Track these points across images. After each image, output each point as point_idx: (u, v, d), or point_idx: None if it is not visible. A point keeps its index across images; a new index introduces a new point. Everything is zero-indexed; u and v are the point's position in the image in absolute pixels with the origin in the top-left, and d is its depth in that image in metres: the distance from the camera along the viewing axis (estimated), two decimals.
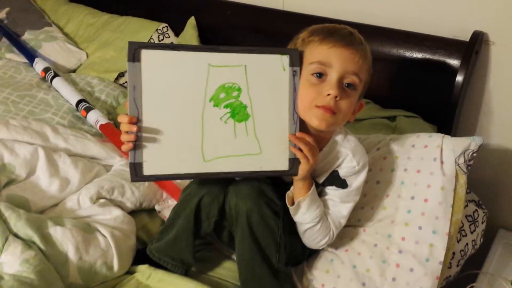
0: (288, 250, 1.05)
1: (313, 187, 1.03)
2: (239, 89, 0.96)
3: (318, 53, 0.98)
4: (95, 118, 1.56)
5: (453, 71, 1.36)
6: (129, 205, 1.27)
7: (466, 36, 1.38)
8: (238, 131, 0.97)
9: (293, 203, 1.03)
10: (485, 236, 1.43)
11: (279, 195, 1.04)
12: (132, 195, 1.28)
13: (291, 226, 1.06)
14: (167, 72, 0.93)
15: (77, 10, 2.08)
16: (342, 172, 1.06)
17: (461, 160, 1.10)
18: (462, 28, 1.40)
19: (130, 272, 1.14)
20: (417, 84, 1.47)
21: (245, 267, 1.03)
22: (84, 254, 1.05)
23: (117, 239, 1.11)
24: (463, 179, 1.10)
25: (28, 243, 1.02)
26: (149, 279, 1.10)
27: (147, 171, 0.92)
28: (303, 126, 1.00)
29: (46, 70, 1.73)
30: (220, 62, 0.95)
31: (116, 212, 1.19)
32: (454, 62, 1.38)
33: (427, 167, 1.11)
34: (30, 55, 1.82)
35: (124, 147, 0.92)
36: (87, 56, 1.92)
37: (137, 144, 0.91)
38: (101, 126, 1.53)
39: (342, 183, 1.06)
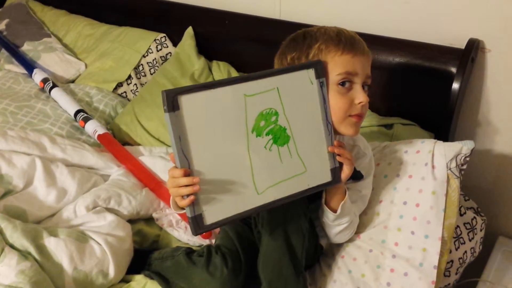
0: (306, 255, 1.05)
1: (346, 188, 1.06)
2: (276, 113, 0.94)
3: (342, 63, 0.99)
4: (93, 128, 1.57)
5: (450, 79, 1.36)
6: (126, 213, 1.28)
7: (462, 44, 1.38)
8: (283, 155, 0.95)
9: (332, 210, 1.04)
10: (484, 243, 1.43)
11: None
12: (129, 204, 1.28)
13: (310, 229, 1.07)
14: (208, 113, 0.88)
15: (76, 21, 2.10)
16: (357, 165, 1.09)
17: (453, 165, 1.10)
18: (458, 36, 1.41)
19: (125, 280, 1.14)
20: (413, 92, 1.48)
21: (273, 265, 1.02)
22: (79, 263, 1.06)
23: (112, 246, 1.12)
24: (455, 183, 1.10)
25: (24, 254, 1.02)
26: None
27: (208, 220, 0.88)
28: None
29: (44, 80, 1.74)
30: (254, 90, 0.92)
31: (110, 217, 1.20)
32: (450, 70, 1.38)
33: (419, 172, 1.12)
34: (29, 66, 1.84)
35: (185, 202, 0.86)
36: (86, 67, 1.94)
37: (195, 197, 0.86)
38: (99, 136, 1.54)
39: (358, 175, 1.10)
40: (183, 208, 0.90)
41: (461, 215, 1.31)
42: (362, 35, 1.51)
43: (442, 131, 1.40)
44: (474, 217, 1.33)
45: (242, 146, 0.91)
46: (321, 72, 0.98)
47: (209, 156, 0.88)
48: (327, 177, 0.99)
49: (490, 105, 1.47)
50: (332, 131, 1.00)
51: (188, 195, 0.85)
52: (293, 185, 0.96)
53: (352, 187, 1.10)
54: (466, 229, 1.30)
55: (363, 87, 1.02)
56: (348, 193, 1.05)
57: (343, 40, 1.00)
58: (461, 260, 1.27)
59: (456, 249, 1.27)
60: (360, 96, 1.00)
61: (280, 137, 0.95)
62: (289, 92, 0.95)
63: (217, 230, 1.22)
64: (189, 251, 1.14)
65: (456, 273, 1.24)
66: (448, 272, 1.22)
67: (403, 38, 1.47)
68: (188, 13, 1.88)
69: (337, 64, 0.99)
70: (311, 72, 0.97)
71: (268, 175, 0.94)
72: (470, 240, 1.30)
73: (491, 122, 1.49)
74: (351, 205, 1.07)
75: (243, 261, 1.09)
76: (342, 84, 1.00)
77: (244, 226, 1.15)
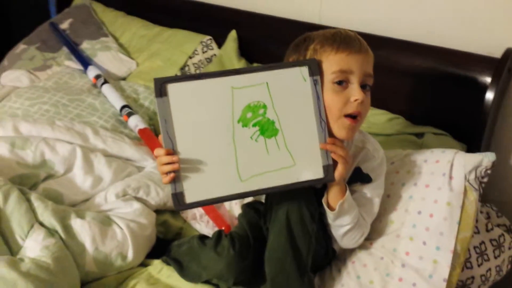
0: (314, 256, 1.07)
1: (347, 188, 1.06)
2: (264, 106, 0.99)
3: (337, 61, 1.01)
4: (135, 123, 1.66)
5: (484, 88, 1.33)
6: (153, 203, 1.35)
7: (500, 54, 1.34)
8: (270, 147, 0.99)
9: (331, 209, 1.05)
10: None
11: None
12: (157, 195, 1.35)
13: (319, 232, 1.09)
14: (194, 101, 0.96)
15: (133, 23, 2.23)
16: (365, 168, 1.09)
17: (472, 176, 1.08)
18: (496, 45, 1.37)
19: (144, 264, 1.21)
20: (448, 101, 1.45)
21: (276, 262, 1.05)
22: (100, 244, 1.14)
23: (133, 231, 1.19)
24: (473, 196, 1.08)
25: (51, 232, 1.12)
26: (160, 273, 1.17)
27: (189, 199, 0.95)
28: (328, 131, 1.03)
29: (97, 77, 1.87)
30: (242, 83, 0.98)
31: (136, 206, 1.27)
32: (485, 79, 1.35)
33: (436, 182, 1.10)
34: (85, 63, 1.97)
35: (166, 179, 0.94)
36: (137, 65, 2.05)
37: (176, 175, 0.94)
38: (140, 131, 1.63)
39: (366, 178, 1.10)
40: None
41: (487, 230, 1.27)
42: (398, 41, 1.52)
43: (475, 142, 1.37)
44: (502, 234, 1.29)
45: (227, 134, 0.97)
46: (315, 70, 1.00)
47: (193, 139, 0.96)
48: (319, 173, 1.00)
49: None
50: (326, 129, 1.01)
51: (169, 173, 0.93)
52: (280, 177, 0.99)
53: (359, 190, 1.10)
54: (492, 245, 1.26)
55: (364, 86, 1.03)
56: (349, 193, 1.04)
57: (338, 39, 1.02)
58: (483, 278, 1.23)
59: (479, 265, 1.23)
60: (355, 94, 1.00)
61: (268, 129, 0.99)
62: (280, 88, 0.99)
63: (235, 222, 1.27)
64: (202, 236, 1.19)
65: None
66: None
67: (438, 45, 1.45)
68: (233, 16, 1.94)
69: (332, 63, 1.01)
70: (304, 70, 1.00)
71: (253, 164, 0.98)
72: (496, 258, 1.26)
73: None
74: (354, 206, 1.06)
75: (252, 246, 1.11)
76: (339, 83, 1.01)
77: (259, 219, 1.18)
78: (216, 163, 0.97)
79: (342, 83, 1.01)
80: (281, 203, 1.03)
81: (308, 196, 1.04)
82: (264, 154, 0.99)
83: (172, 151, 0.94)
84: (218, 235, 1.13)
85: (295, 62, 1.03)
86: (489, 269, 1.24)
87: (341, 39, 1.03)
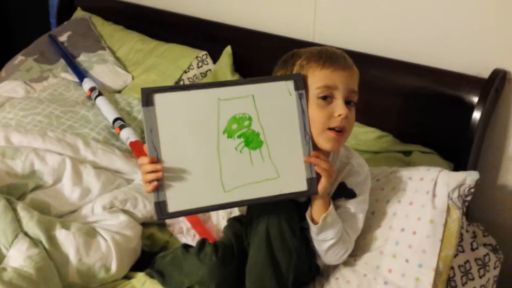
0: (295, 272, 1.07)
1: (331, 202, 1.06)
2: (249, 118, 1.01)
3: (322, 77, 1.04)
4: (127, 135, 1.67)
5: (471, 108, 1.34)
6: (140, 216, 1.35)
7: (488, 74, 1.35)
8: (254, 158, 1.00)
9: (315, 223, 1.05)
10: (506, 285, 1.36)
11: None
12: (144, 208, 1.36)
13: (301, 248, 1.09)
14: (180, 111, 0.98)
15: (130, 36, 2.26)
16: (349, 183, 1.10)
17: (455, 195, 1.09)
18: (485, 66, 1.38)
19: (128, 277, 1.21)
20: (436, 120, 1.46)
21: (255, 277, 1.05)
22: (84, 256, 1.14)
23: (118, 243, 1.20)
24: (456, 214, 1.08)
25: (35, 242, 1.13)
26: (143, 286, 1.17)
27: (171, 208, 0.96)
28: (312, 144, 1.04)
29: (92, 89, 1.89)
30: (229, 95, 1.00)
31: (123, 218, 1.28)
32: (473, 99, 1.36)
33: (419, 200, 1.11)
34: (82, 75, 2.00)
35: (149, 188, 0.95)
36: (133, 79, 2.07)
37: (160, 184, 0.95)
38: (131, 143, 1.64)
39: (351, 193, 1.10)
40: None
41: (472, 249, 1.27)
42: (389, 60, 1.54)
43: (462, 161, 1.37)
44: (488, 254, 1.28)
45: (212, 144, 0.98)
46: (300, 84, 1.02)
47: (177, 149, 0.97)
48: (302, 186, 1.01)
49: None
50: (310, 142, 1.02)
51: (152, 181, 0.94)
52: (264, 188, 1.00)
53: (343, 205, 1.10)
54: (477, 265, 1.26)
55: (348, 102, 1.04)
56: (332, 207, 1.05)
57: (323, 56, 1.05)
58: None
59: (463, 284, 1.22)
60: (339, 109, 1.02)
61: (252, 141, 1.00)
62: (265, 101, 1.01)
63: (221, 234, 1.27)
64: (187, 245, 1.19)
65: None
66: None
67: (429, 65, 1.47)
68: (228, 32, 1.97)
69: (317, 78, 1.03)
70: (290, 84, 1.02)
71: (237, 175, 0.99)
72: (480, 277, 1.25)
73: None
74: (338, 221, 1.06)
75: (235, 255, 1.11)
76: (324, 98, 1.03)
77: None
78: (200, 173, 0.98)
79: (326, 98, 1.03)
80: (261, 218, 1.03)
81: (289, 211, 1.04)
82: (248, 166, 1.00)
83: (156, 160, 0.95)
84: (202, 242, 1.14)
85: (281, 76, 1.06)
86: None
87: (327, 56, 1.06)
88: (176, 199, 0.96)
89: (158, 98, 0.96)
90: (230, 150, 0.99)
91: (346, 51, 1.56)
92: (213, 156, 0.98)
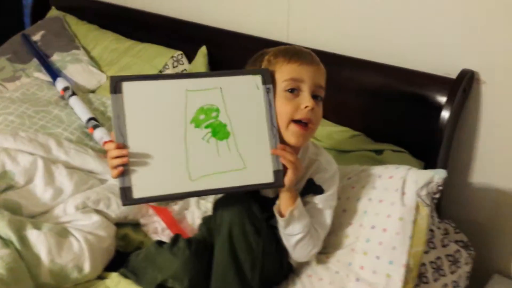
0: (264, 271, 1.08)
1: (299, 196, 1.07)
2: (217, 110, 1.03)
3: (289, 71, 1.07)
4: (101, 135, 1.66)
5: (440, 108, 1.37)
6: (114, 216, 1.34)
7: (456, 74, 1.39)
8: (221, 148, 1.02)
9: (282, 216, 1.06)
10: (478, 280, 1.40)
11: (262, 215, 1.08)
12: (118, 208, 1.35)
13: (269, 247, 1.10)
14: (148, 100, 1.00)
15: (105, 36, 2.24)
16: (317, 179, 1.12)
17: (424, 192, 1.11)
18: (454, 66, 1.41)
19: (102, 277, 1.20)
20: (407, 119, 1.49)
21: (217, 278, 1.06)
22: (56, 256, 1.13)
23: (91, 244, 1.19)
24: (425, 211, 1.11)
25: (6, 243, 1.11)
26: (117, 286, 1.16)
27: (136, 194, 0.97)
28: (280, 138, 1.06)
29: (65, 89, 1.87)
30: (197, 86, 1.03)
31: (96, 218, 1.27)
32: (441, 99, 1.39)
33: (389, 198, 1.13)
34: (55, 74, 1.97)
35: (115, 173, 0.96)
36: (107, 78, 2.06)
37: (125, 170, 0.96)
38: (105, 143, 1.64)
39: (319, 190, 1.12)
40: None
41: (443, 246, 1.30)
42: (360, 60, 1.57)
43: (432, 160, 1.40)
44: (459, 250, 1.31)
45: (179, 133, 1.00)
46: (268, 79, 1.05)
47: (144, 137, 0.99)
48: (269, 178, 1.03)
49: (486, 139, 1.45)
50: (277, 135, 1.04)
51: (118, 167, 0.95)
52: (230, 179, 1.01)
53: (311, 201, 1.12)
54: (448, 261, 1.28)
55: (315, 97, 1.07)
56: (300, 201, 1.06)
57: (290, 52, 1.08)
58: None
59: (435, 280, 1.25)
60: (305, 101, 1.05)
61: (219, 131, 1.02)
62: (233, 93, 1.04)
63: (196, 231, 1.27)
64: (160, 241, 1.19)
65: None
66: None
67: (399, 65, 1.50)
68: (203, 32, 1.97)
69: (284, 72, 1.06)
70: (257, 78, 1.05)
71: (204, 165, 1.00)
72: (452, 273, 1.28)
73: (487, 156, 1.47)
74: (306, 215, 1.07)
75: (209, 250, 1.11)
76: (291, 90, 1.06)
77: None
78: (167, 161, 0.99)
79: (293, 91, 1.06)
80: (225, 218, 1.04)
81: (253, 210, 1.05)
82: (215, 155, 1.01)
83: (122, 146, 0.97)
84: (175, 237, 1.14)
85: (249, 70, 1.09)
86: (446, 285, 1.26)
87: (294, 52, 1.10)
88: (141, 186, 0.97)
89: (126, 86, 0.99)
90: (197, 139, 1.01)
91: (318, 51, 1.60)
92: (179, 144, 1.00)
